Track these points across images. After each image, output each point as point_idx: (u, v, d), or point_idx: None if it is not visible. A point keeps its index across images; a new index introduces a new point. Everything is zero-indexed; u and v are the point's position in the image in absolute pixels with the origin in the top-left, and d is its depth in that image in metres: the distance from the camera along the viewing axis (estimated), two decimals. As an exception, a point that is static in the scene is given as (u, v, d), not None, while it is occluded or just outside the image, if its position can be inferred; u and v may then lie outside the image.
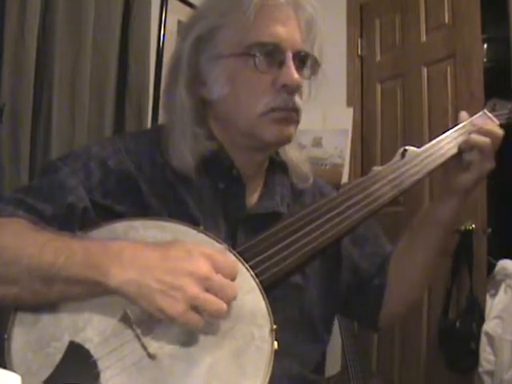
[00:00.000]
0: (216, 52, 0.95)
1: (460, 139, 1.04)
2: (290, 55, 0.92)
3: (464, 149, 1.02)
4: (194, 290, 0.72)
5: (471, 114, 1.10)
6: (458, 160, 1.03)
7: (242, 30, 0.92)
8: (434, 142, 1.05)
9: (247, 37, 0.92)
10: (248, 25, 0.91)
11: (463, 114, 1.09)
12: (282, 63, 0.92)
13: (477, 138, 1.01)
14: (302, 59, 0.96)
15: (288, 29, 0.93)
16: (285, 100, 0.93)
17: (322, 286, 1.04)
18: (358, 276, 1.11)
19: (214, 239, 0.85)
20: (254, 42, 0.92)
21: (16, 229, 0.81)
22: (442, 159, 1.03)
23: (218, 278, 0.75)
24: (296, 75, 0.92)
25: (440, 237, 1.07)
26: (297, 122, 0.97)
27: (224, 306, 0.74)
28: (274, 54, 0.92)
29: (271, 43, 0.92)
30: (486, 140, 1.00)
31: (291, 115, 0.95)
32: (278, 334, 0.77)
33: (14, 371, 0.66)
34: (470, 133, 1.03)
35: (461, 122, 1.07)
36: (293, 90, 0.93)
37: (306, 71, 0.98)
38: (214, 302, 0.73)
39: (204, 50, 0.96)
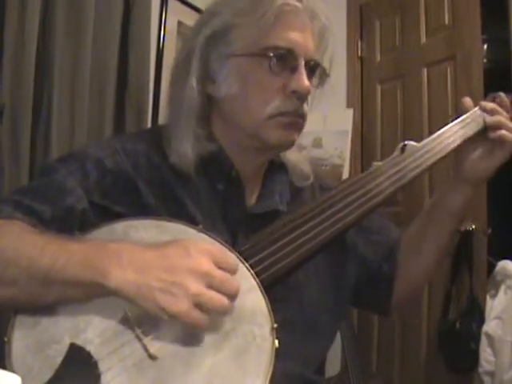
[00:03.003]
0: (229, 50, 0.95)
1: (461, 132, 1.05)
2: (302, 62, 0.93)
3: (490, 129, 1.04)
4: (197, 286, 0.72)
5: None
6: (476, 147, 1.05)
7: (259, 32, 0.93)
8: (434, 136, 1.05)
9: (263, 39, 0.92)
10: (265, 27, 0.92)
11: (467, 100, 1.09)
12: (294, 69, 0.93)
13: (496, 117, 1.04)
14: (312, 68, 0.96)
15: (303, 36, 0.94)
16: (294, 105, 0.93)
17: (327, 282, 1.04)
18: (365, 266, 1.12)
19: (213, 238, 0.84)
20: (270, 44, 0.92)
21: (14, 231, 0.81)
22: (442, 153, 1.03)
23: (220, 273, 0.74)
24: (307, 82, 0.93)
25: (452, 225, 1.09)
26: (301, 129, 0.98)
27: (226, 301, 0.74)
28: (287, 58, 0.93)
29: (286, 48, 0.92)
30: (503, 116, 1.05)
31: (298, 121, 0.95)
32: (278, 334, 0.77)
33: (15, 374, 0.66)
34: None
35: (464, 107, 1.08)
36: (303, 96, 0.93)
37: (315, 80, 0.98)
38: (218, 298, 0.73)
39: (216, 47, 0.96)
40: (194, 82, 0.96)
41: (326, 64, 1.00)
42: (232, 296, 0.75)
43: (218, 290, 0.73)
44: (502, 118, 1.05)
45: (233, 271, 0.77)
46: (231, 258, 0.80)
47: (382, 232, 1.15)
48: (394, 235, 1.16)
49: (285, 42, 0.93)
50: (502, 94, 1.10)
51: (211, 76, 0.97)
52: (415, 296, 1.21)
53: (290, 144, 0.98)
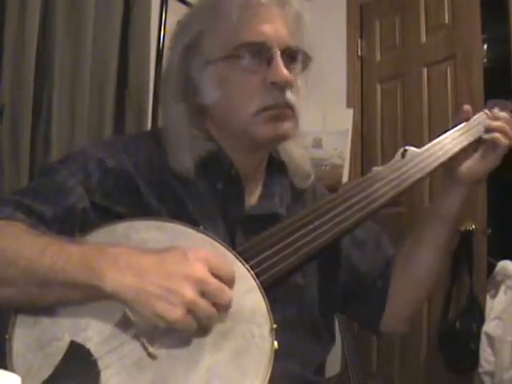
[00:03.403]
0: (204, 58, 0.95)
1: (461, 138, 1.05)
2: (277, 52, 0.92)
3: (486, 132, 1.05)
4: (192, 294, 0.72)
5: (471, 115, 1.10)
6: (472, 150, 1.05)
7: (227, 33, 0.92)
8: (434, 142, 1.06)
9: (233, 39, 0.92)
10: (232, 27, 0.92)
11: (466, 107, 1.10)
12: (270, 61, 0.92)
13: (496, 123, 1.05)
14: (291, 55, 0.95)
15: (273, 26, 0.93)
16: (275, 97, 0.92)
17: (321, 285, 1.04)
18: (357, 278, 1.11)
19: (213, 239, 0.85)
20: (239, 43, 0.92)
21: (14, 232, 0.81)
22: (443, 159, 1.03)
23: (215, 282, 0.75)
24: (285, 71, 0.91)
25: (446, 232, 1.08)
26: (293, 118, 0.96)
27: (215, 312, 0.74)
28: (261, 52, 0.92)
29: (257, 42, 0.92)
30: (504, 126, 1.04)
31: (284, 112, 0.94)
32: (278, 335, 0.77)
33: (15, 371, 0.66)
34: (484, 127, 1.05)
35: (462, 114, 1.09)
36: (283, 86, 0.92)
37: (298, 66, 0.97)
38: (209, 310, 0.73)
39: (193, 57, 0.96)
40: (173, 95, 0.97)
41: (306, 48, 0.98)
42: (223, 306, 0.75)
43: (211, 299, 0.73)
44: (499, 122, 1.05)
45: (229, 281, 0.77)
46: (229, 266, 0.79)
47: (380, 246, 1.14)
48: (390, 251, 1.15)
49: (255, 37, 0.92)
50: (502, 103, 1.11)
51: (194, 85, 0.97)
52: (416, 310, 1.19)
53: (282, 136, 0.96)
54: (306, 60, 0.98)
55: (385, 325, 1.13)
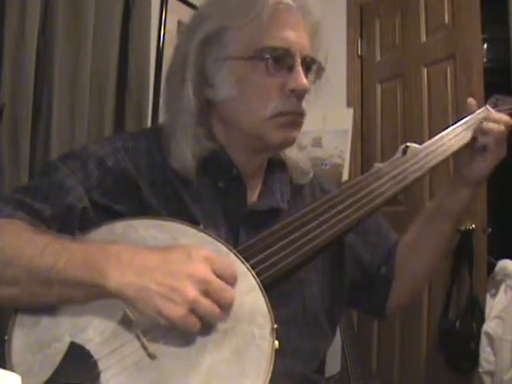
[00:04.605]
0: (224, 53, 0.94)
1: (462, 135, 1.06)
2: (298, 60, 0.93)
3: (479, 134, 1.04)
4: (194, 293, 0.72)
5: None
6: (470, 151, 1.06)
7: (253, 33, 0.92)
8: (435, 138, 1.06)
9: (258, 40, 0.92)
10: (259, 28, 0.92)
11: (471, 101, 1.10)
12: (291, 68, 0.93)
13: (492, 125, 1.04)
14: (308, 64, 0.96)
15: (298, 33, 0.94)
16: (293, 104, 0.93)
17: (325, 278, 1.04)
18: (362, 266, 1.12)
19: (214, 238, 0.85)
20: (265, 45, 0.92)
21: (15, 230, 0.81)
22: (444, 155, 1.04)
23: (217, 282, 0.75)
24: (305, 80, 0.93)
25: (449, 228, 1.10)
26: (301, 126, 0.98)
27: (218, 311, 0.74)
28: (284, 58, 0.93)
29: (282, 47, 0.92)
30: (500, 127, 1.04)
31: (297, 119, 0.96)
32: (282, 331, 0.77)
33: (15, 372, 0.66)
34: (480, 122, 1.05)
35: (469, 109, 1.09)
36: (301, 94, 0.93)
37: (311, 76, 0.98)
38: (211, 307, 0.73)
39: (211, 51, 0.95)
40: (190, 88, 0.96)
41: (321, 58, 1.00)
42: (225, 306, 0.75)
43: (213, 298, 0.74)
44: (496, 128, 1.05)
45: (231, 280, 0.77)
46: (231, 266, 0.79)
47: (381, 234, 1.16)
48: (392, 237, 1.17)
49: (281, 42, 0.92)
50: (504, 98, 1.11)
51: (208, 79, 0.96)
52: (415, 296, 1.22)
53: (291, 142, 0.98)
54: (320, 71, 0.99)
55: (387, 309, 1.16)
